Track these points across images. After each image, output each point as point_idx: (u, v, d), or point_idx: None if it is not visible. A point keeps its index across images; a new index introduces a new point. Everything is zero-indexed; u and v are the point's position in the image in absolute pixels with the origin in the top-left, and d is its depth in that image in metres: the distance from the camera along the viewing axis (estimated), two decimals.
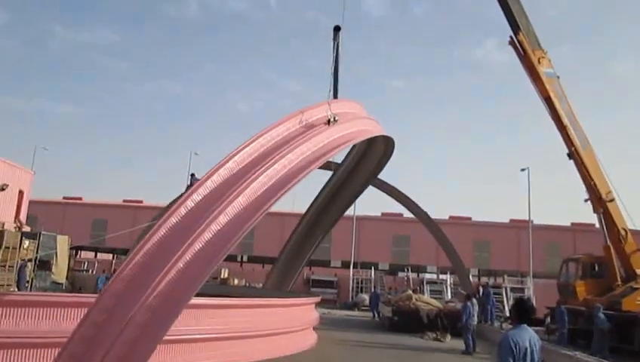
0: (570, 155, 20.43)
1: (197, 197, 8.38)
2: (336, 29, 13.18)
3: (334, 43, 13.13)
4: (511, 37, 20.72)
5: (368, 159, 21.31)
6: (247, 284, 38.48)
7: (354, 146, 19.02)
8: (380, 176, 25.27)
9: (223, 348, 11.93)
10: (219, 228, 8.00)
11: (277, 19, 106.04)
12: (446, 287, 37.81)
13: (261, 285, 33.65)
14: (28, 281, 22.89)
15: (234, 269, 44.79)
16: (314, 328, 17.39)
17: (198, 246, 7.69)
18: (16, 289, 20.73)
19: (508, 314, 24.40)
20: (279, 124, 10.33)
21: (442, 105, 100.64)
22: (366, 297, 37.19)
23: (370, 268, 43.93)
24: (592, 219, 21.23)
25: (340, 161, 22.30)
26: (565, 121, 20.14)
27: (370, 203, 77.17)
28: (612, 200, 19.91)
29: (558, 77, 20.66)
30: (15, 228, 27.98)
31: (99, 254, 54.47)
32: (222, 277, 39.68)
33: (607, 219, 19.94)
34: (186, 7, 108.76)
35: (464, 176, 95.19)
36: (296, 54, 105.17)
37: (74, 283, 28.97)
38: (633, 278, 19.12)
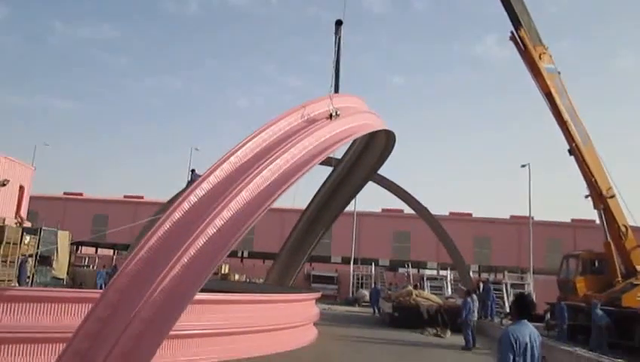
0: (570, 151, 20.42)
1: (200, 192, 8.39)
2: (338, 23, 13.17)
3: (336, 37, 13.13)
4: (512, 32, 20.67)
5: (369, 153, 21.31)
6: (248, 280, 38.56)
7: (354, 141, 19.03)
8: (380, 173, 25.28)
9: (224, 343, 11.96)
10: (223, 223, 8.01)
11: (278, 15, 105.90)
12: (446, 283, 37.81)
13: (262, 281, 33.70)
14: (29, 277, 22.95)
15: (234, 265, 44.85)
16: (314, 324, 17.42)
17: (202, 241, 7.70)
18: (17, 285, 20.79)
19: (508, 310, 24.43)
20: (281, 119, 10.33)
21: (442, 101, 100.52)
22: (366, 293, 37.26)
23: (371, 264, 43.98)
24: (593, 215, 21.27)
25: (340, 157, 22.30)
26: (566, 116, 20.12)
27: (371, 199, 77.09)
28: (613, 196, 19.90)
29: (559, 72, 20.63)
30: (16, 223, 28.05)
31: (99, 250, 54.46)
32: (222, 272, 39.74)
33: (608, 215, 19.94)
34: (186, 4, 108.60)
35: (464, 172, 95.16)
36: (296, 50, 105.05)
37: (74, 278, 29.02)
38: (633, 274, 19.13)
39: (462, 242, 35.33)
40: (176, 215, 8.00)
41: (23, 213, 33.69)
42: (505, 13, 20.58)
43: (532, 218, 41.34)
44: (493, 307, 24.08)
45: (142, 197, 52.59)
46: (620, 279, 19.35)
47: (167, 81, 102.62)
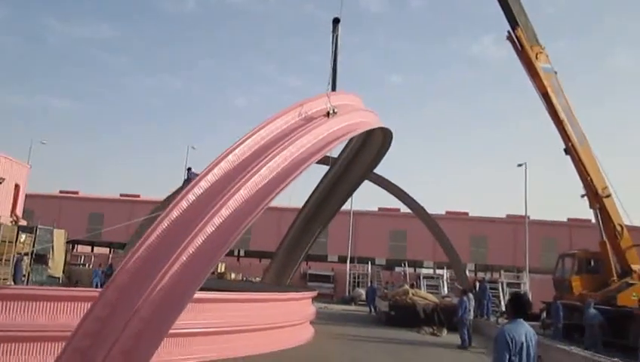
0: (567, 151, 20.46)
1: (198, 190, 8.36)
2: (336, 21, 13.14)
3: (333, 35, 13.10)
4: (509, 32, 20.69)
5: (366, 151, 21.31)
6: (245, 279, 38.54)
7: (351, 139, 19.03)
8: (377, 171, 25.29)
9: (220, 342, 11.95)
10: (221, 221, 7.99)
11: (274, 13, 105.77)
12: (442, 282, 37.89)
13: (258, 279, 33.71)
14: (24, 275, 22.92)
15: (231, 263, 44.83)
16: (311, 322, 17.42)
17: (201, 239, 7.68)
18: (12, 283, 20.73)
19: (504, 309, 24.49)
20: (279, 117, 10.31)
21: (440, 100, 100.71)
22: (363, 292, 37.28)
23: (367, 263, 44.01)
24: (589, 214, 21.32)
25: (336, 156, 22.29)
26: (562, 116, 20.16)
27: (367, 198, 77.39)
28: (608, 195, 19.96)
29: (556, 72, 20.66)
30: (11, 222, 27.94)
31: (95, 248, 54.47)
32: (219, 271, 39.72)
33: (604, 214, 20.00)
34: (183, 2, 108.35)
35: (461, 171, 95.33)
36: (294, 50, 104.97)
37: (70, 277, 28.99)
38: (629, 274, 19.20)
39: (458, 241, 35.37)
40: (175, 213, 7.98)
41: (19, 211, 33.57)
42: (502, 13, 20.61)
43: (528, 217, 41.39)
44: (489, 306, 24.13)
45: (138, 196, 52.44)
46: (615, 278, 19.41)
47: (164, 81, 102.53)
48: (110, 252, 51.46)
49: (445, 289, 36.25)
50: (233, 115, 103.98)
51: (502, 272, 40.70)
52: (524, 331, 4.68)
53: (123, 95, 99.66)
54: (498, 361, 4.54)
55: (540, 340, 7.22)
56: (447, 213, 49.31)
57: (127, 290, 7.08)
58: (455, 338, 17.68)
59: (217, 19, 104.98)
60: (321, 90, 12.12)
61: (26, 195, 37.05)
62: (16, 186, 33.70)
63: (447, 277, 38.52)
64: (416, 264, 50.32)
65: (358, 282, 42.32)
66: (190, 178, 22.30)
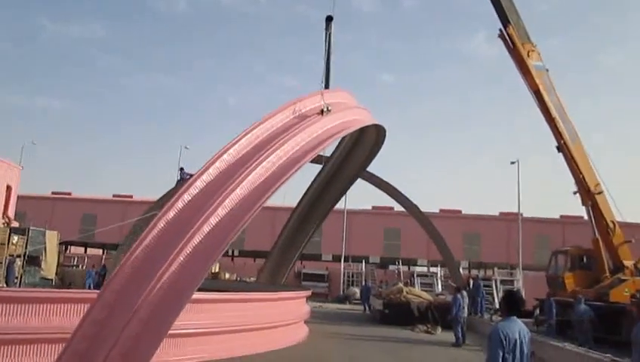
0: (559, 148, 20.53)
1: (194, 190, 8.34)
2: (329, 19, 13.13)
3: (326, 33, 13.08)
4: (500, 30, 20.73)
5: (359, 150, 21.34)
6: (239, 279, 38.47)
7: (344, 137, 19.06)
8: (370, 170, 25.33)
9: (215, 342, 11.93)
10: (218, 220, 7.98)
11: (267, 14, 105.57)
12: (436, 280, 38.03)
13: (252, 279, 33.68)
14: (17, 277, 22.78)
15: (225, 264, 44.71)
16: (305, 321, 17.42)
17: (198, 239, 7.66)
18: (5, 286, 20.60)
19: (498, 306, 24.58)
20: (273, 116, 10.30)
21: (432, 99, 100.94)
22: (357, 290, 37.32)
23: (361, 262, 44.06)
24: (581, 211, 21.42)
25: (329, 154, 22.29)
26: (554, 113, 20.22)
27: (361, 196, 77.50)
28: (600, 192, 20.04)
29: (547, 70, 20.73)
30: (3, 223, 27.80)
31: (89, 249, 54.17)
32: (213, 271, 39.60)
33: (596, 211, 20.08)
34: (176, 2, 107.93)
35: (454, 170, 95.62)
36: (287, 49, 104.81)
37: (63, 278, 28.84)
38: (621, 270, 19.28)
39: (452, 239, 35.45)
40: (171, 213, 7.95)
41: (11, 213, 33.39)
42: (494, 11, 20.67)
43: (521, 214, 41.61)
44: (483, 303, 24.23)
45: (131, 197, 52.24)
46: (608, 275, 19.50)
47: (156, 81, 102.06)
48: (103, 253, 51.20)
49: (439, 287, 36.38)
50: (226, 115, 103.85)
51: (495, 269, 40.88)
52: (518, 328, 4.70)
53: (113, 95, 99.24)
54: (492, 359, 4.56)
55: (533, 337, 7.27)
56: (441, 211, 49.43)
57: (125, 292, 7.05)
58: (449, 336, 17.73)
59: (208, 20, 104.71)
60: (315, 89, 12.12)
61: (18, 197, 36.86)
62: (8, 188, 33.52)
63: (441, 275, 38.66)
64: (410, 262, 50.42)
65: (353, 281, 42.37)
66: (183, 178, 22.24)
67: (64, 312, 9.62)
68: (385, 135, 19.09)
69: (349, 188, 25.15)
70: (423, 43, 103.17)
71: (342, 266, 42.90)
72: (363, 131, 18.28)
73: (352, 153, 21.75)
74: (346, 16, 75.04)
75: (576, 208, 21.61)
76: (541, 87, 20.20)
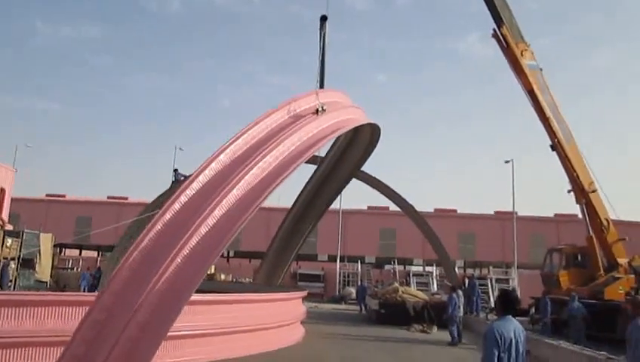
0: (553, 147, 20.61)
1: (191, 192, 8.31)
2: (323, 18, 13.13)
3: (320, 33, 13.09)
4: (494, 30, 20.80)
5: (354, 149, 21.35)
6: (235, 280, 38.39)
7: (338, 137, 19.08)
8: (365, 170, 25.34)
9: (211, 343, 11.89)
10: (215, 221, 7.95)
11: (260, 14, 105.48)
12: (432, 279, 38.10)
13: (248, 280, 33.62)
14: (11, 280, 22.61)
15: (220, 265, 44.62)
16: (301, 322, 17.40)
17: (195, 240, 7.64)
18: None
19: (493, 305, 24.65)
20: (269, 116, 10.29)
21: (427, 98, 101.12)
22: (353, 290, 37.34)
23: (357, 262, 44.09)
24: (576, 209, 21.50)
25: (323, 154, 22.29)
26: (548, 112, 20.29)
27: (356, 197, 77.53)
28: (594, 191, 20.13)
29: (541, 69, 20.81)
30: None
31: (83, 251, 53.92)
32: (209, 272, 39.52)
33: (590, 209, 20.17)
34: (169, 3, 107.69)
35: (449, 169, 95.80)
36: (281, 49, 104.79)
37: (58, 281, 28.69)
38: (615, 268, 19.38)
39: (447, 238, 35.52)
40: (168, 215, 7.92)
41: (5, 215, 33.17)
42: (487, 11, 20.73)
43: (516, 213, 41.74)
44: (479, 302, 24.30)
45: (126, 199, 52.07)
46: (602, 272, 19.58)
47: (151, 82, 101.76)
48: (98, 255, 50.98)
49: (435, 286, 36.44)
50: (221, 116, 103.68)
51: (490, 268, 41.04)
52: (513, 327, 4.71)
53: (107, 96, 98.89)
54: (487, 358, 4.56)
55: (528, 335, 7.29)
56: (436, 210, 49.51)
57: (124, 294, 7.03)
58: (445, 336, 17.75)
59: (202, 20, 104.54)
60: (309, 88, 12.12)
61: (12, 199, 36.65)
62: (2, 190, 33.35)
63: (436, 275, 38.75)
64: (405, 262, 50.45)
65: (348, 281, 42.41)
66: (178, 179, 22.17)
67: (58, 315, 9.57)
68: (379, 134, 19.11)
69: (344, 187, 25.16)
70: (416, 42, 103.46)
71: (338, 266, 42.90)
72: (357, 131, 18.29)
73: (347, 153, 21.76)
74: (339, 15, 75.21)
75: (571, 206, 21.72)
76: (535, 87, 20.28)
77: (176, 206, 8.09)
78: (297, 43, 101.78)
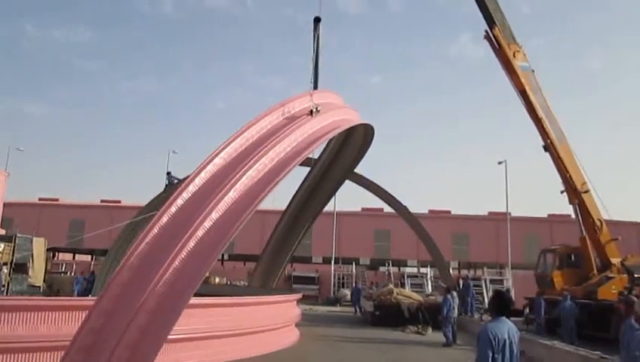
0: (545, 148, 20.71)
1: (187, 195, 8.29)
2: (317, 20, 13.13)
3: (314, 34, 13.09)
4: (486, 31, 20.89)
5: (347, 150, 21.35)
6: (229, 282, 38.32)
7: (332, 139, 19.08)
8: (360, 171, 25.37)
9: (206, 347, 11.86)
10: (212, 224, 7.94)
11: (254, 17, 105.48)
12: (427, 281, 38.15)
13: (243, 283, 33.56)
14: (4, 285, 22.50)
15: (215, 268, 44.50)
16: (296, 325, 17.39)
17: (192, 244, 7.61)
18: None
19: (488, 306, 24.70)
20: (263, 117, 10.27)
21: (421, 99, 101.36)
22: (348, 292, 37.34)
23: (352, 264, 44.08)
24: (569, 210, 21.62)
25: (317, 156, 22.28)
26: (540, 113, 20.39)
27: (351, 198, 77.54)
28: (587, 191, 20.23)
29: (533, 70, 20.91)
30: None
31: (77, 255, 53.68)
32: None
33: (583, 210, 20.27)
34: (161, 5, 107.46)
35: (443, 170, 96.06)
36: (275, 51, 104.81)
37: (51, 285, 28.56)
38: (608, 267, 19.49)
39: (441, 239, 35.58)
40: (165, 219, 7.90)
41: None
42: (479, 12, 20.82)
43: (509, 214, 41.87)
44: (473, 303, 24.34)
45: (119, 202, 51.87)
46: (595, 272, 19.69)
47: (143, 85, 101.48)
48: (92, 259, 50.76)
49: (429, 287, 36.49)
50: (214, 118, 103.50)
51: (485, 269, 41.11)
52: (507, 328, 4.72)
53: (98, 100, 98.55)
54: (481, 359, 4.57)
55: (522, 336, 7.31)
56: (430, 211, 49.62)
57: (122, 299, 6.98)
58: (440, 337, 17.76)
59: (194, 22, 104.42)
60: (303, 90, 12.12)
61: (4, 203, 36.45)
62: None
63: (431, 276, 38.79)
64: (400, 263, 50.51)
65: (343, 283, 42.40)
66: (171, 182, 22.12)
67: (52, 320, 9.50)
68: (373, 135, 19.13)
69: (337, 189, 25.16)
70: (409, 44, 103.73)
71: (332, 268, 42.89)
72: (351, 132, 18.30)
73: (341, 154, 21.76)
74: (332, 18, 75.37)
75: (564, 207, 21.82)
76: (527, 88, 20.37)
77: (173, 209, 8.07)
78: (291, 45, 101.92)
